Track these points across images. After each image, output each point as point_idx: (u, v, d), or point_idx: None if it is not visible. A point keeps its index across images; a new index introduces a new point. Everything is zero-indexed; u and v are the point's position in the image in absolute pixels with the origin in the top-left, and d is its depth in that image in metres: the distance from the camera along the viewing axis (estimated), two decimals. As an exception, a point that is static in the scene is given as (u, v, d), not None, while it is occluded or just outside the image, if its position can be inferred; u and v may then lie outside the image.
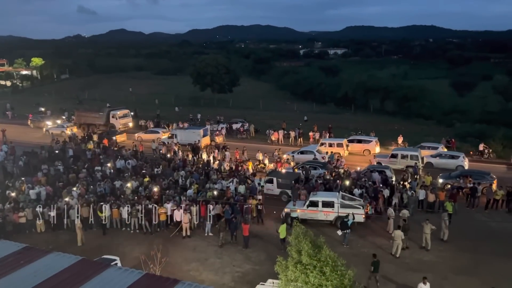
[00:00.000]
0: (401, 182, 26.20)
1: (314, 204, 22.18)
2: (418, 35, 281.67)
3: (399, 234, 18.82)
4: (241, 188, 25.17)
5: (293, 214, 22.10)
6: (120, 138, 41.50)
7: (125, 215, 22.23)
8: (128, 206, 22.25)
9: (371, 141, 36.47)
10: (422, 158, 31.79)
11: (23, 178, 27.62)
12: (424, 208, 23.62)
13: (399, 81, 71.23)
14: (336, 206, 21.73)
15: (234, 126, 45.98)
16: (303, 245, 11.52)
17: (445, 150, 34.28)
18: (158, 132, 42.38)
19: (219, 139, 40.64)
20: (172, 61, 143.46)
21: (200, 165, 30.91)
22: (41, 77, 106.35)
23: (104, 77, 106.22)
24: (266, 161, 32.48)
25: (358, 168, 29.63)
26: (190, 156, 33.89)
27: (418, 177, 28.11)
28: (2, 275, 10.60)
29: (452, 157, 31.96)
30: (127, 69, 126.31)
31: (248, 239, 20.10)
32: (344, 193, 23.18)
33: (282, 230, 19.55)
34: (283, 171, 28.92)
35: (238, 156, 33.38)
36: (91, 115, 47.56)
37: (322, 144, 36.27)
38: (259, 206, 22.95)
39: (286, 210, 22.59)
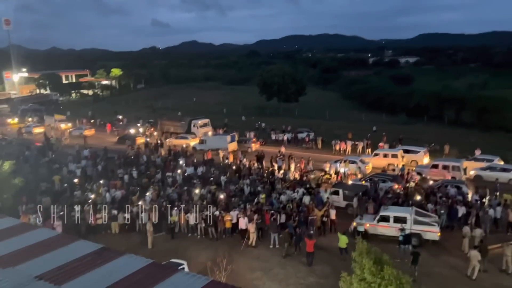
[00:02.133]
0: (479, 199, 24.39)
1: (385, 219, 21.29)
2: (500, 41, 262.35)
3: (475, 254, 17.49)
4: (306, 199, 24.92)
5: (360, 228, 21.43)
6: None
7: (192, 221, 22.91)
8: (195, 212, 22.92)
9: (419, 151, 34.90)
10: (465, 169, 30.21)
11: (101, 181, 29.55)
12: (504, 228, 21.78)
13: (477, 91, 66.71)
14: (409, 222, 20.70)
15: (300, 136, 45.83)
16: (364, 262, 11.13)
17: (502, 163, 31.65)
18: (187, 138, 44.93)
19: (255, 146, 42.20)
20: (240, 71, 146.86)
21: (265, 174, 31.08)
22: (119, 86, 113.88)
23: (176, 87, 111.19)
24: (332, 172, 31.92)
25: (431, 182, 28.11)
26: (256, 164, 34.25)
27: (498, 194, 26.02)
28: (81, 273, 11.35)
29: (504, 170, 29.71)
30: (197, 79, 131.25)
31: (312, 256, 19.14)
32: (417, 209, 22.04)
33: (342, 240, 19.08)
34: (350, 182, 28.23)
35: (303, 166, 33.16)
36: (173, 124, 49.41)
37: (376, 154, 35.12)
38: (324, 218, 22.53)
39: (354, 223, 21.97)
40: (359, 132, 45.76)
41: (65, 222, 22.96)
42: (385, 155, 34.58)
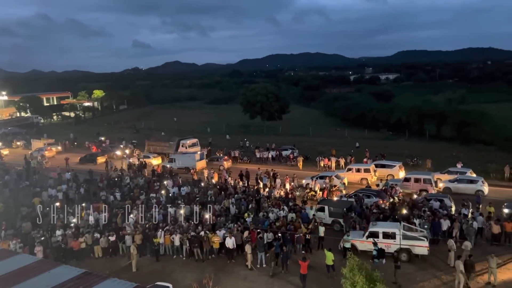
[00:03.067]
0: (461, 212, 24.69)
1: (374, 235, 21.28)
2: (475, 57, 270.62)
3: (458, 264, 17.58)
4: (290, 216, 24.84)
5: (346, 245, 21.40)
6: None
7: (177, 242, 22.57)
8: (179, 234, 22.59)
9: (395, 165, 35.95)
10: (436, 182, 31.24)
11: (83, 204, 28.96)
12: (489, 240, 22.04)
13: (456, 106, 68.25)
14: (398, 237, 20.78)
15: (284, 153, 45.98)
16: (357, 279, 11.08)
17: (474, 175, 32.89)
18: (149, 157, 45.67)
19: (227, 164, 42.31)
20: (223, 90, 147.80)
21: (251, 192, 30.96)
22: (101, 108, 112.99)
23: (159, 107, 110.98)
24: (317, 189, 31.99)
25: (415, 197, 28.39)
26: (241, 183, 34.12)
27: (480, 206, 26.41)
28: (63, 299, 11.02)
29: (471, 181, 30.86)
30: (181, 99, 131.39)
31: (305, 277, 18.49)
32: (405, 224, 22.15)
33: (329, 256, 19.02)
34: (335, 199, 28.31)
35: (288, 183, 33.17)
36: (162, 144, 48.64)
37: (349, 169, 35.82)
38: (307, 236, 22.43)
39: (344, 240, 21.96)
40: (342, 149, 46.25)
41: (48, 247, 22.41)
42: (358, 170, 35.28)
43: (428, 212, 24.11)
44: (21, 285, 11.92)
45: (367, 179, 34.30)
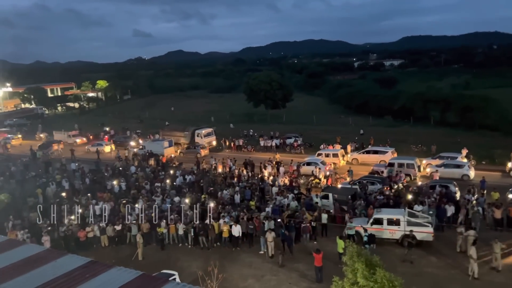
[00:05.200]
0: (469, 198, 24.63)
1: (378, 221, 21.34)
2: (481, 42, 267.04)
3: (474, 251, 17.57)
4: (293, 204, 24.94)
5: (350, 232, 21.47)
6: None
7: (181, 231, 22.74)
8: (183, 223, 22.76)
9: (387, 152, 36.40)
10: (419, 167, 32.10)
11: (89, 195, 29.20)
12: (491, 225, 22.02)
13: (460, 91, 67.64)
14: (403, 224, 20.80)
15: (288, 141, 45.97)
16: (357, 266, 11.13)
17: (465, 160, 33.49)
18: (101, 145, 48.14)
19: (204, 152, 43.66)
20: (226, 79, 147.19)
21: (255, 181, 31.05)
22: (105, 98, 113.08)
23: (163, 97, 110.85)
24: (321, 176, 32.02)
25: (419, 183, 28.36)
26: (245, 171, 34.20)
27: (485, 192, 26.35)
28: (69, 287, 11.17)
29: (458, 166, 31.51)
30: (184, 88, 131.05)
31: (321, 270, 18.08)
32: (410, 210, 22.16)
33: (340, 244, 19.06)
34: (339, 186, 28.34)
35: (291, 171, 33.22)
36: (176, 134, 48.52)
37: (319, 154, 36.98)
38: (312, 223, 22.53)
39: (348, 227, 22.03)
40: (347, 136, 46.09)
41: (55, 237, 22.67)
42: (327, 155, 36.71)
43: (433, 199, 24.13)
44: (29, 274, 12.08)
45: (335, 163, 35.77)
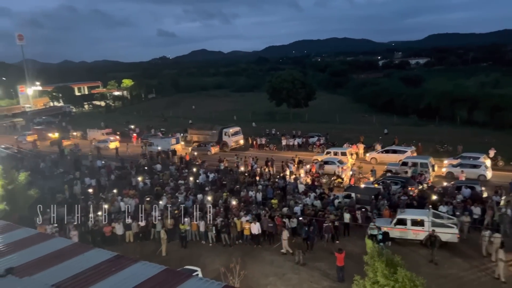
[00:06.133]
0: (494, 199, 24.03)
1: (402, 222, 21.10)
2: (510, 39, 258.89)
3: (502, 254, 17.18)
4: (317, 203, 24.87)
5: (372, 232, 21.27)
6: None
7: (202, 228, 23.02)
8: (207, 219, 23.03)
9: (406, 151, 35.90)
10: (433, 166, 31.62)
11: (114, 191, 29.87)
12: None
13: (489, 90, 65.86)
14: (427, 224, 20.49)
15: (311, 140, 45.79)
16: (377, 265, 11.07)
17: (488, 161, 32.74)
18: (107, 142, 50.06)
19: (214, 150, 44.52)
20: (249, 78, 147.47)
21: (277, 179, 31.09)
22: (130, 97, 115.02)
23: (186, 96, 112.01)
24: (344, 176, 31.81)
25: (445, 184, 27.84)
26: (267, 170, 34.29)
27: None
28: (96, 281, 11.49)
29: (474, 166, 31.01)
30: (207, 88, 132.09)
31: (343, 270, 17.99)
32: (435, 211, 21.81)
33: (368, 244, 18.91)
34: (362, 186, 28.10)
35: (314, 170, 33.11)
36: (204, 133, 48.37)
37: (327, 153, 36.92)
38: (335, 222, 22.44)
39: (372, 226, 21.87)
40: (370, 135, 45.58)
41: (82, 232, 23.29)
42: (336, 154, 36.56)
43: (458, 200, 23.65)
44: (58, 266, 12.49)
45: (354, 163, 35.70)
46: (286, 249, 21.01)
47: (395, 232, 21.15)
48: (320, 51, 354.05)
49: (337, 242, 21.60)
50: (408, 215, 21.33)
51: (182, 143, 47.89)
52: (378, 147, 39.49)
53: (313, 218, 22.62)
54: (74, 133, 60.74)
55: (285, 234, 21.04)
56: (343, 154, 36.37)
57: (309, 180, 30.79)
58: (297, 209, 24.05)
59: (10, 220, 17.26)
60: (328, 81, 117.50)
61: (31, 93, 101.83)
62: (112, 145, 49.64)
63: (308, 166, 33.86)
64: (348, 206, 24.19)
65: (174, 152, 42.72)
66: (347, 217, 22.73)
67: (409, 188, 26.61)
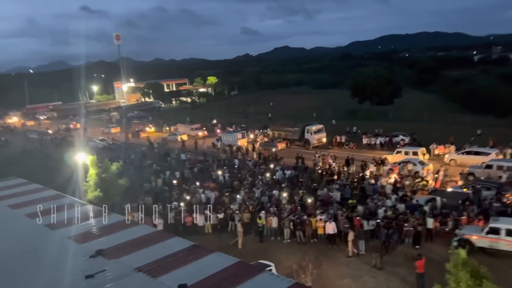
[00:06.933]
0: None
1: (495, 231, 19.35)
2: None
3: None
4: (401, 207, 23.75)
5: (458, 239, 19.81)
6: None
7: (275, 224, 23.13)
8: (278, 216, 23.13)
9: (490, 153, 32.80)
10: None
11: (197, 183, 31.24)
12: None
13: None
14: None
15: (395, 140, 43.76)
16: (460, 275, 10.25)
17: None
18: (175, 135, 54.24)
19: (281, 146, 45.13)
20: (331, 74, 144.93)
21: (355, 179, 30.27)
22: (214, 93, 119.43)
23: (268, 93, 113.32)
24: (429, 178, 29.99)
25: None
26: (345, 169, 33.53)
27: None
28: (174, 267, 12.17)
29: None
30: (288, 84, 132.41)
31: (422, 277, 17.04)
32: None
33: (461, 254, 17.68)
34: (449, 190, 26.27)
35: (397, 171, 31.66)
36: (286, 130, 48.30)
37: (398, 152, 35.24)
38: (418, 227, 21.24)
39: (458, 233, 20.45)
40: (461, 136, 42.37)
41: (166, 221, 24.66)
42: (406, 153, 35.25)
43: None
44: (140, 252, 13.43)
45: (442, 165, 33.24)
46: (352, 251, 20.47)
47: (485, 241, 19.46)
48: (408, 46, 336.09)
49: (417, 247, 20.45)
50: (503, 223, 19.49)
51: (251, 137, 50.70)
52: (441, 148, 37.67)
53: (394, 221, 21.70)
54: (167, 128, 64.59)
55: (351, 236, 20.52)
56: (415, 153, 34.70)
57: (390, 181, 29.51)
58: (380, 211, 23.17)
59: (102, 206, 18.80)
60: (416, 78, 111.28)
61: (125, 89, 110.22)
62: (180, 138, 53.87)
63: (389, 167, 32.47)
64: (432, 210, 22.78)
65: (253, 148, 43.48)
66: (430, 222, 21.42)
67: (505, 195, 24.29)
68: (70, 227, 15.96)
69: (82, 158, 29.38)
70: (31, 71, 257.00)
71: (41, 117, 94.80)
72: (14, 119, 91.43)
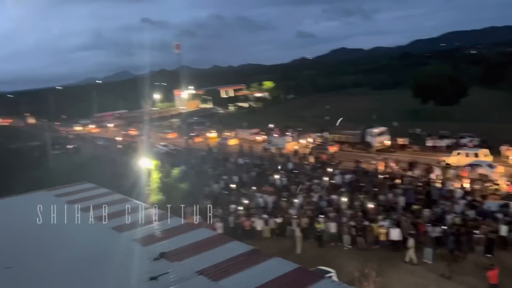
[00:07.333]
0: None
1: None
2: None
3: None
4: (470, 213, 22.31)
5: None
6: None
7: (333, 229, 22.61)
8: (337, 221, 22.59)
9: None
10: None
11: (254, 187, 31.42)
12: None
13: None
14: None
15: (462, 142, 41.28)
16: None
17: None
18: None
19: (332, 149, 43.97)
20: (391, 74, 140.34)
21: (420, 184, 28.89)
22: (271, 98, 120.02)
23: (324, 96, 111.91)
24: (502, 182, 27.91)
25: None
26: (409, 173, 32.13)
27: None
28: (234, 271, 12.17)
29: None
30: (345, 86, 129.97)
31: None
32: None
33: None
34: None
35: (466, 175, 29.81)
36: (346, 133, 47.29)
37: (458, 153, 33.52)
38: (490, 235, 19.81)
39: None
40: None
41: (225, 224, 25.03)
42: (467, 155, 33.77)
43: None
44: (201, 255, 13.55)
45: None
46: (410, 258, 19.55)
47: None
48: (475, 43, 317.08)
49: (489, 256, 19.07)
50: None
51: (309, 140, 50.38)
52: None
53: (463, 227, 20.43)
54: (228, 133, 65.77)
55: (411, 242, 19.65)
56: (476, 155, 32.65)
57: (459, 186, 27.84)
58: (449, 217, 21.92)
59: (164, 210, 19.38)
60: (484, 75, 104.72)
61: (185, 96, 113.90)
62: (232, 142, 55.86)
63: (456, 170, 30.68)
64: (506, 217, 21.16)
65: (310, 152, 43.00)
66: (504, 229, 19.91)
67: None
68: (135, 230, 16.57)
69: (146, 163, 30.64)
70: (99, 81, 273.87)
71: (109, 125, 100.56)
72: (89, 127, 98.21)
